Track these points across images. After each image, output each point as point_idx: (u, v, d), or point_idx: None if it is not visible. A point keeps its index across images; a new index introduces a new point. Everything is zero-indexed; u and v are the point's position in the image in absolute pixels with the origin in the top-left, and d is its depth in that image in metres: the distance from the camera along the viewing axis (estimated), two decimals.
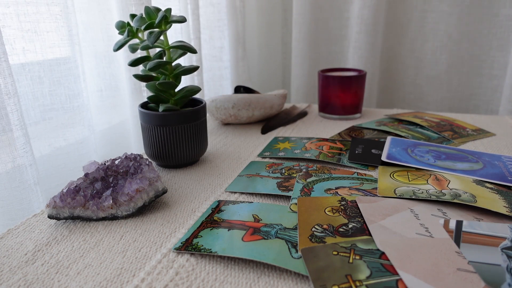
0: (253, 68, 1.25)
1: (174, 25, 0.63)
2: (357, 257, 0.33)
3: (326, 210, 0.41)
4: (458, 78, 1.07)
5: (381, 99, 1.18)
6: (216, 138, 0.69)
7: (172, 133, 0.52)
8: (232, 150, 0.63)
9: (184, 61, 0.86)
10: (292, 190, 0.46)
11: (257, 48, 1.25)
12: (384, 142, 0.61)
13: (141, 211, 0.44)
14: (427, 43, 1.08)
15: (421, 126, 0.70)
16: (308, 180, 0.49)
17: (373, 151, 0.58)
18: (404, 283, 0.30)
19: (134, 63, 0.52)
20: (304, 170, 0.52)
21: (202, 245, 0.36)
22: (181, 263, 0.35)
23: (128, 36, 0.51)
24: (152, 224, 0.42)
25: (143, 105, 0.56)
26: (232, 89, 1.04)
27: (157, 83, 0.51)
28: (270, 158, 0.59)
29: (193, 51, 0.52)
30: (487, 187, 0.45)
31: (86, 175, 0.45)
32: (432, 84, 1.10)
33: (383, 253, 0.34)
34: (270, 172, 0.53)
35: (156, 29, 0.49)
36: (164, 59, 0.53)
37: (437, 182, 0.46)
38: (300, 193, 0.45)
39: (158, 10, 0.50)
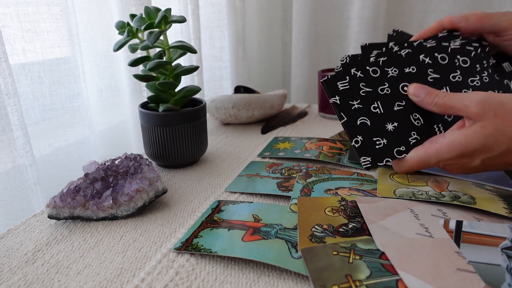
0: (253, 68, 1.25)
1: (174, 25, 0.63)
2: (357, 257, 0.33)
3: (326, 210, 0.41)
4: None
5: None
6: (216, 138, 0.69)
7: (172, 133, 0.52)
8: (232, 150, 0.63)
9: (184, 61, 0.86)
10: (292, 190, 0.46)
11: (257, 48, 1.25)
12: None
13: (141, 211, 0.44)
14: None
15: None
16: (308, 180, 0.49)
17: None
18: (404, 283, 0.30)
19: (134, 63, 0.52)
20: (304, 170, 0.52)
21: (202, 245, 0.36)
22: (181, 263, 0.35)
23: (128, 36, 0.51)
24: (152, 224, 0.42)
25: (143, 105, 0.56)
26: (232, 89, 1.04)
27: (157, 83, 0.51)
28: (270, 158, 0.59)
29: (193, 51, 0.52)
30: (487, 189, 0.45)
31: (86, 175, 0.45)
32: None
33: (383, 253, 0.34)
34: (270, 172, 0.53)
35: (156, 29, 0.49)
36: (164, 59, 0.53)
37: (437, 184, 0.46)
38: (300, 193, 0.45)
39: (158, 10, 0.50)
